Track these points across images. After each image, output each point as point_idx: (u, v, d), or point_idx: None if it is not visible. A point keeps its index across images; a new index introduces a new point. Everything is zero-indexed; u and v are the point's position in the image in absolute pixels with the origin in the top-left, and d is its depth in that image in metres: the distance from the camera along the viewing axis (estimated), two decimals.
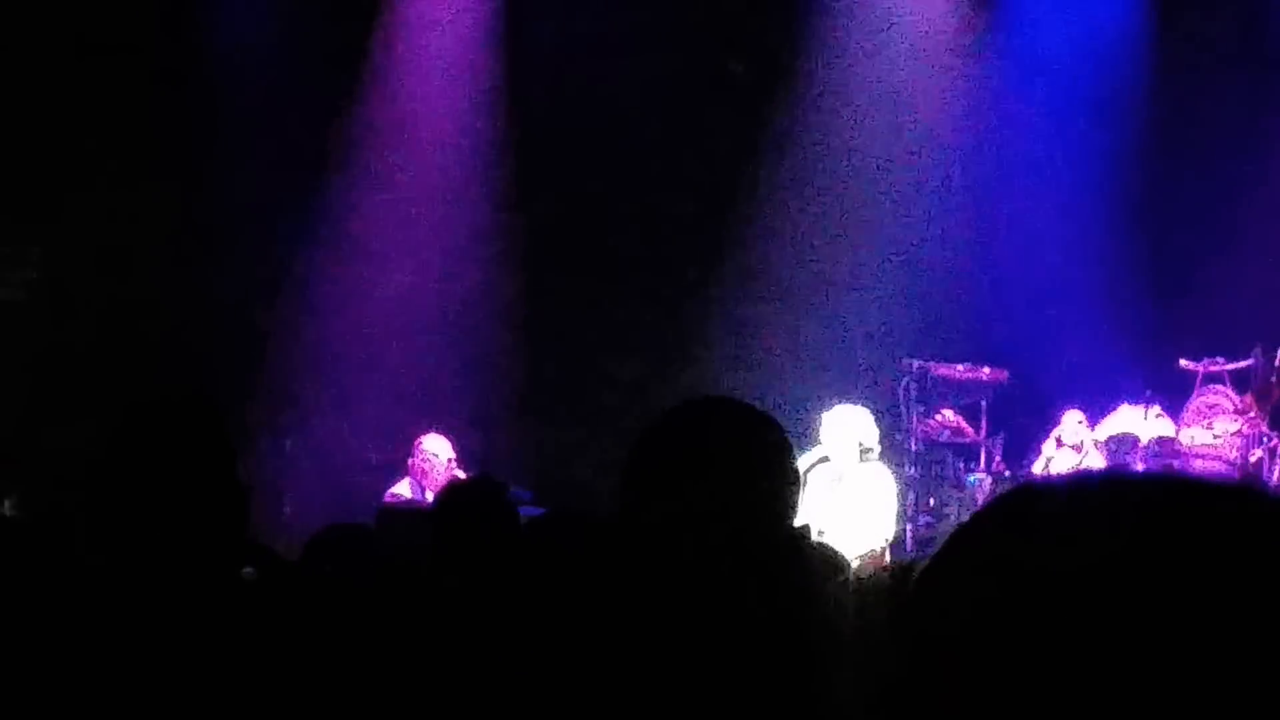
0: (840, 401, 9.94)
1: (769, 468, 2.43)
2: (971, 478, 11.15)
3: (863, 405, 9.95)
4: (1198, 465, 11.07)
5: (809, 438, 10.13)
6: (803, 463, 9.85)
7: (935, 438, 11.30)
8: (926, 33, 12.50)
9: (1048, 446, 11.12)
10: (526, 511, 6.18)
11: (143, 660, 2.38)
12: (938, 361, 11.44)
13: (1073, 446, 10.99)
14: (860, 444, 9.61)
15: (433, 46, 12.70)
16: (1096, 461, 11.08)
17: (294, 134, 11.93)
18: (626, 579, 2.46)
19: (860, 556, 8.48)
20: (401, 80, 12.61)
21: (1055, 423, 11.09)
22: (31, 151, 11.61)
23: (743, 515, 2.34)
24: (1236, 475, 10.77)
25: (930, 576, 1.02)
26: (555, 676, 2.46)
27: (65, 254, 11.68)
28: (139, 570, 2.48)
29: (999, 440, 11.36)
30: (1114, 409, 11.22)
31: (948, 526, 10.87)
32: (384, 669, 2.90)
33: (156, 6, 11.99)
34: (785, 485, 2.46)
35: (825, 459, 9.61)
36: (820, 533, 7.94)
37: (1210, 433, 11.06)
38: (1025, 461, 11.19)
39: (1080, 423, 11.04)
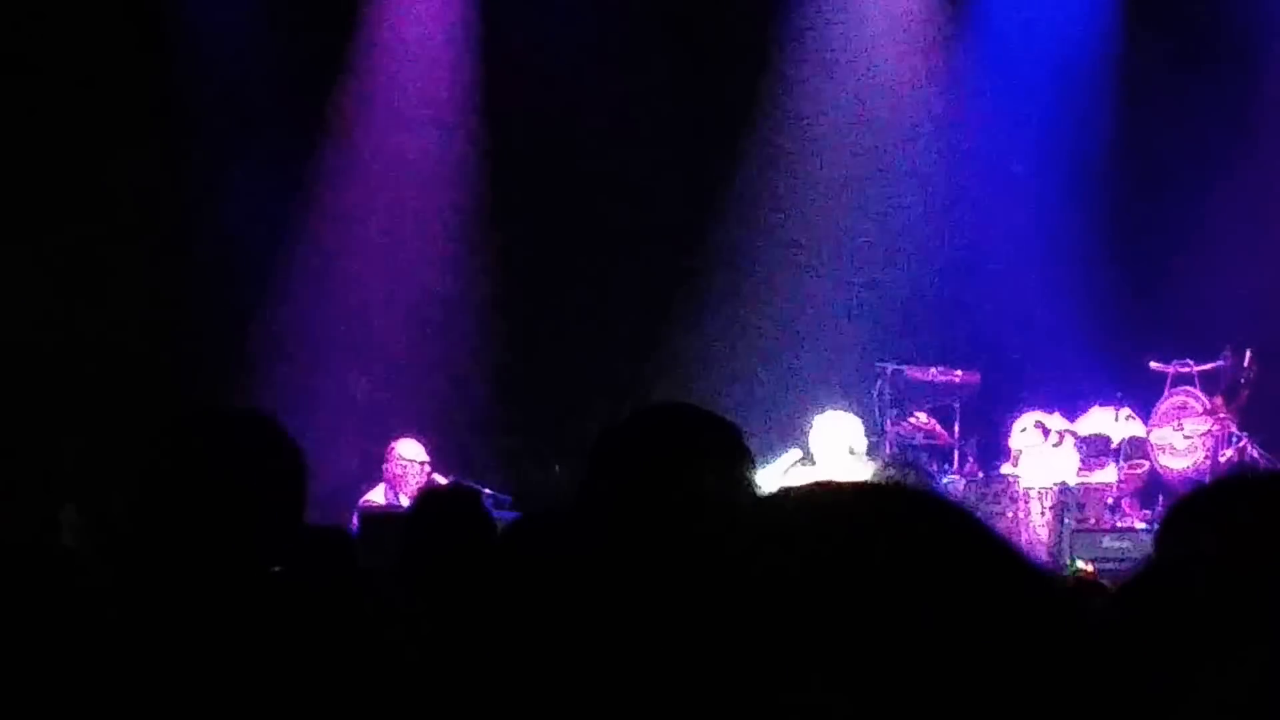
0: (828, 405, 10.00)
1: (721, 469, 2.46)
2: (945, 480, 11.21)
3: (833, 408, 10.01)
4: (1166, 464, 11.16)
5: (782, 440, 10.17)
6: (780, 464, 9.90)
7: (909, 440, 11.35)
8: (899, 37, 12.56)
9: (1016, 441, 11.18)
10: (506, 516, 6.23)
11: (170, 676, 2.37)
12: (912, 364, 11.49)
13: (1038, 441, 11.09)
14: (851, 449, 9.68)
15: (413, 42, 12.70)
16: (1068, 456, 11.13)
17: (270, 134, 11.91)
18: (599, 583, 2.48)
19: None
20: (380, 81, 12.62)
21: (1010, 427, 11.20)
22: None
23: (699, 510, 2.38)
24: (1206, 477, 10.86)
25: None
26: (529, 685, 2.48)
27: (30, 249, 11.61)
28: (177, 586, 2.44)
29: (973, 442, 11.42)
30: (1085, 411, 11.30)
31: None
32: (364, 674, 2.92)
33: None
34: (738, 486, 2.49)
35: (803, 461, 9.67)
36: None
37: (1180, 433, 11.14)
38: (997, 463, 11.26)
39: (1036, 424, 11.11)
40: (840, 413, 9.88)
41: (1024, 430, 11.18)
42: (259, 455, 2.54)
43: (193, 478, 2.47)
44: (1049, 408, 11.25)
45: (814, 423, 9.78)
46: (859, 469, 9.75)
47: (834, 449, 9.63)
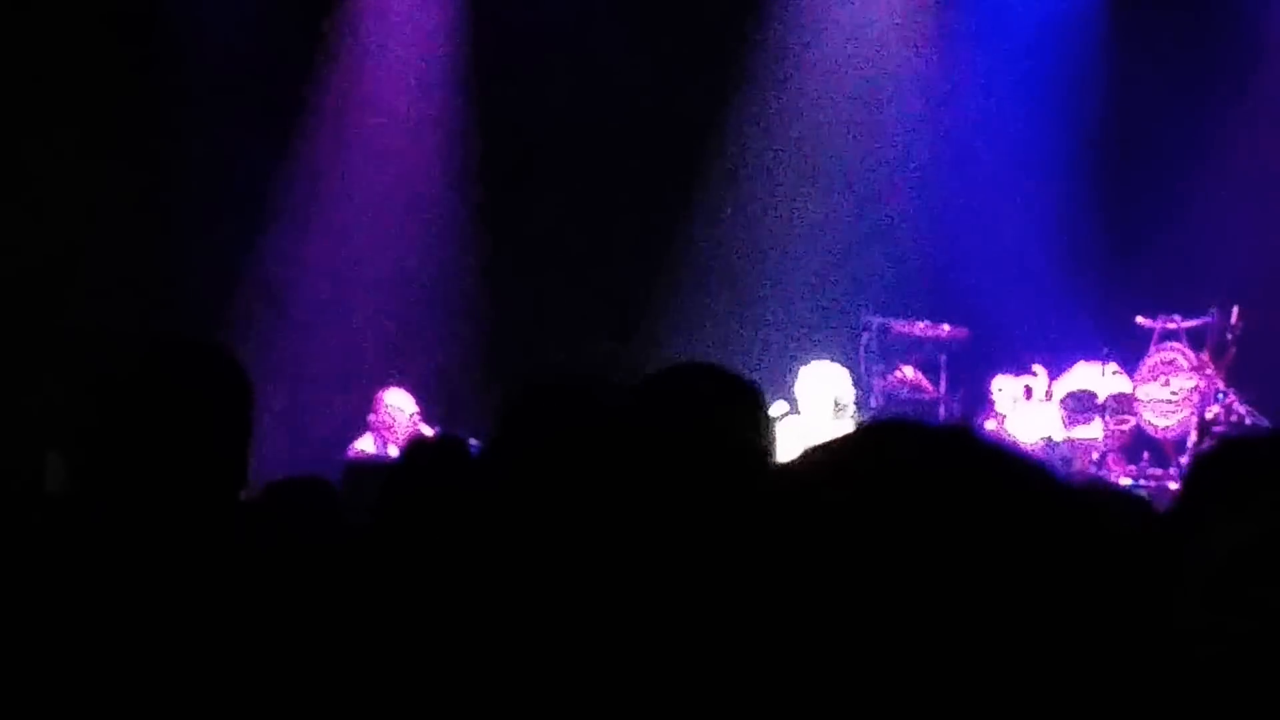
0: (813, 358, 10.01)
1: (745, 428, 2.48)
2: None
3: (819, 360, 10.02)
4: (1152, 421, 11.19)
5: (770, 393, 10.19)
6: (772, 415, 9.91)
7: (895, 394, 11.38)
8: (886, 4, 12.58)
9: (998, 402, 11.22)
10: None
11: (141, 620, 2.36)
12: (898, 318, 11.51)
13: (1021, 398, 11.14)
14: (837, 400, 9.69)
15: (401, 11, 12.73)
16: (1052, 416, 11.18)
17: (259, 94, 11.92)
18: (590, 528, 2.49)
19: None
20: (366, 47, 12.62)
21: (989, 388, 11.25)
22: None
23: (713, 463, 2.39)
24: (1191, 433, 10.90)
25: None
26: (519, 634, 2.49)
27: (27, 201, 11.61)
28: (139, 519, 2.42)
29: (958, 397, 11.44)
30: (1071, 366, 11.33)
31: None
32: (349, 627, 2.92)
33: None
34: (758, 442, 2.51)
35: (791, 413, 9.69)
36: None
37: (1167, 389, 11.16)
38: (981, 418, 11.29)
39: (1025, 389, 11.16)
40: (825, 363, 9.88)
41: (1000, 390, 11.21)
42: (206, 383, 2.53)
43: (139, 405, 2.46)
44: (1027, 365, 11.28)
45: (799, 374, 9.80)
46: (844, 421, 9.77)
47: (819, 400, 9.64)
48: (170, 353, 2.59)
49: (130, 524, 2.45)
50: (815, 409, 9.65)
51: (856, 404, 9.98)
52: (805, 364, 9.87)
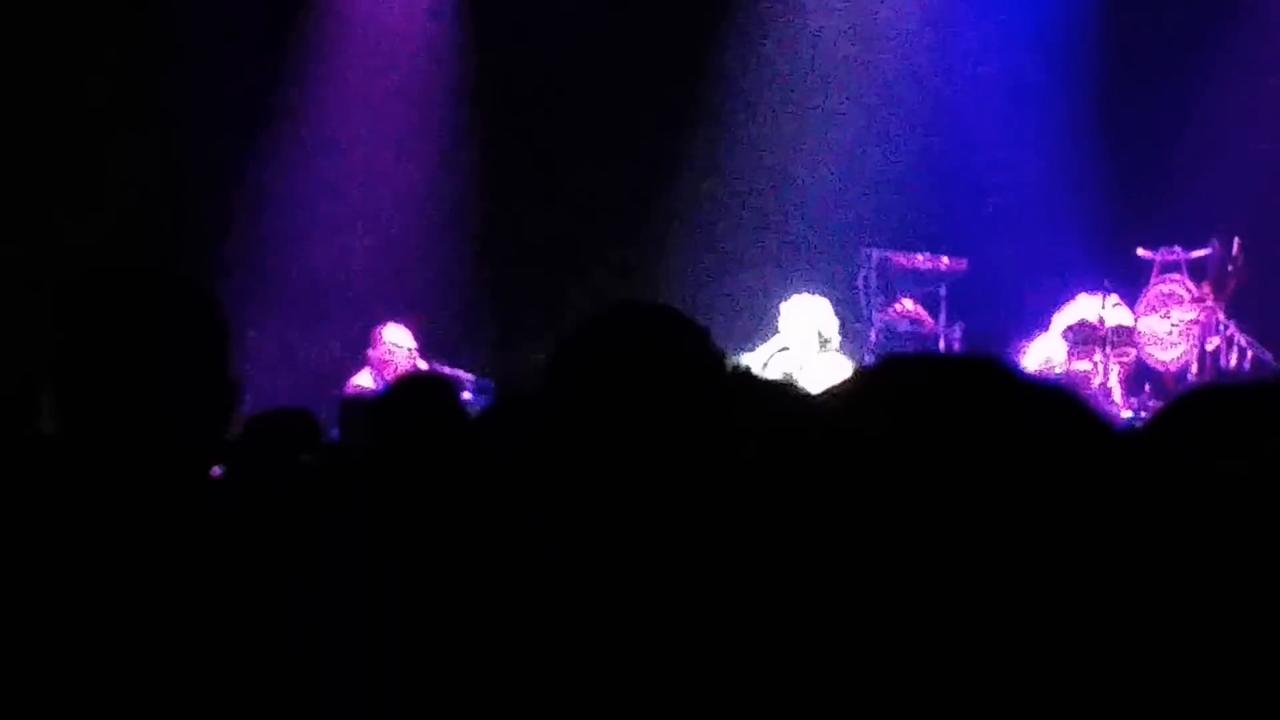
0: (800, 291, 10.00)
1: (694, 375, 2.44)
2: None
3: (822, 295, 10.01)
4: (1153, 353, 11.17)
5: (771, 328, 10.19)
6: (763, 353, 9.93)
7: (894, 327, 11.36)
8: None
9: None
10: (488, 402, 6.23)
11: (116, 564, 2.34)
12: (897, 251, 11.48)
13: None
14: (820, 333, 9.68)
15: None
16: (1057, 349, 11.17)
17: (255, 42, 11.86)
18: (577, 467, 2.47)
19: None
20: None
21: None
22: None
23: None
24: (1193, 365, 10.89)
25: None
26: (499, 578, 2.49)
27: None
28: (111, 461, 2.37)
29: (957, 329, 11.42)
30: (1072, 298, 11.30)
31: None
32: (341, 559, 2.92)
33: None
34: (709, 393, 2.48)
35: (785, 349, 9.68)
36: None
37: (1167, 321, 11.13)
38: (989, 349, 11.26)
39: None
40: (806, 296, 9.87)
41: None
42: (178, 314, 2.45)
43: (101, 342, 2.39)
44: (1027, 297, 11.28)
45: (781, 308, 9.79)
46: (830, 353, 9.78)
47: (803, 333, 9.64)
48: (134, 284, 2.51)
49: (107, 470, 2.41)
50: (800, 342, 9.65)
51: (845, 334, 9.98)
52: (786, 299, 9.85)
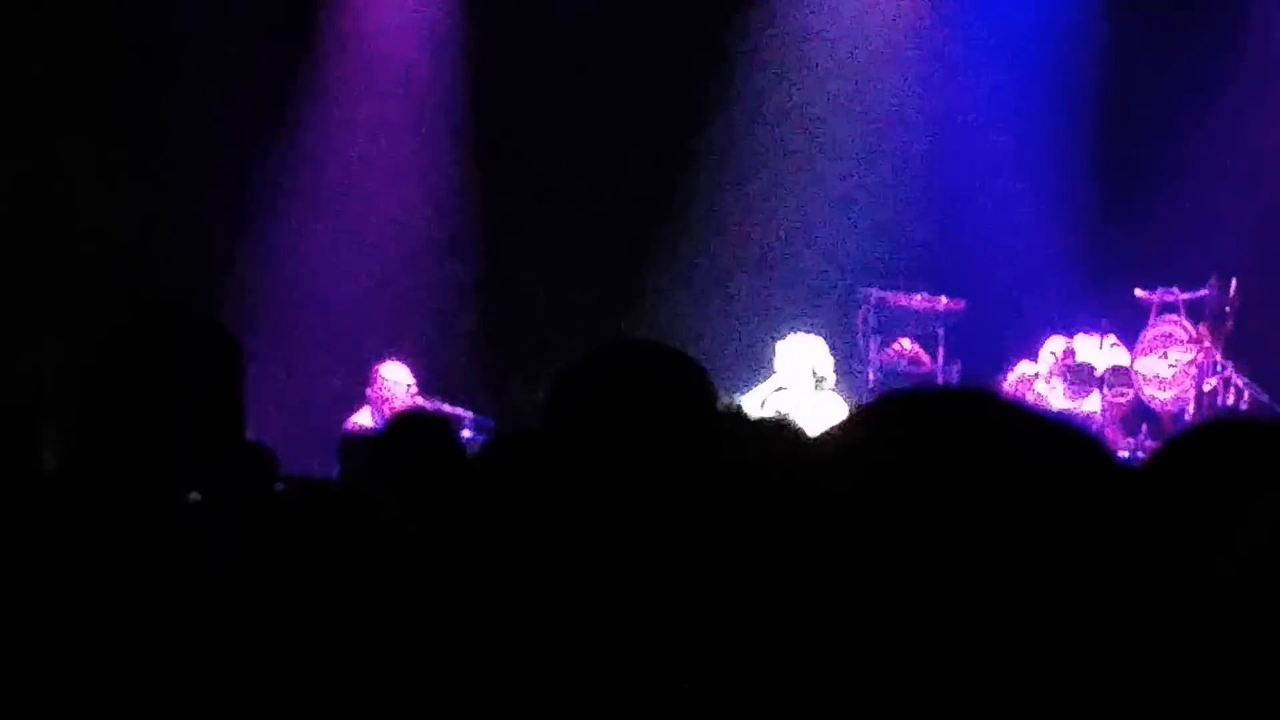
0: (796, 331, 10.02)
1: (686, 409, 2.45)
2: None
3: (818, 335, 10.04)
4: (1150, 394, 11.19)
5: (769, 368, 10.21)
6: (759, 392, 9.95)
7: (893, 367, 11.37)
8: None
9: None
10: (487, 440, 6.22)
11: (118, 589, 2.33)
12: (896, 291, 11.51)
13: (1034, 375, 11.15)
14: (814, 372, 9.71)
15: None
16: (1055, 390, 11.19)
17: (254, 66, 11.91)
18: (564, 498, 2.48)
19: None
20: (363, 26, 12.62)
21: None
22: None
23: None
24: (1190, 406, 10.90)
25: None
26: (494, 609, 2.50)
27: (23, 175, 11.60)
28: (120, 487, 2.35)
29: (955, 369, 11.44)
30: (1068, 336, 11.32)
31: None
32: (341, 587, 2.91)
33: None
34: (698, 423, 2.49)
35: (781, 388, 9.71)
36: None
37: (1165, 362, 11.15)
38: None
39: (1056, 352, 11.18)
40: (801, 336, 9.90)
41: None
42: (193, 350, 2.45)
43: (121, 377, 2.39)
44: (1027, 337, 11.30)
45: (777, 347, 9.82)
46: (826, 392, 9.80)
47: (798, 373, 9.67)
48: (154, 320, 2.52)
49: (116, 505, 2.41)
50: (795, 382, 9.68)
51: (839, 374, 10.01)
52: (782, 339, 9.89)
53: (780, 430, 2.65)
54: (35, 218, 11.41)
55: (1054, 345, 11.19)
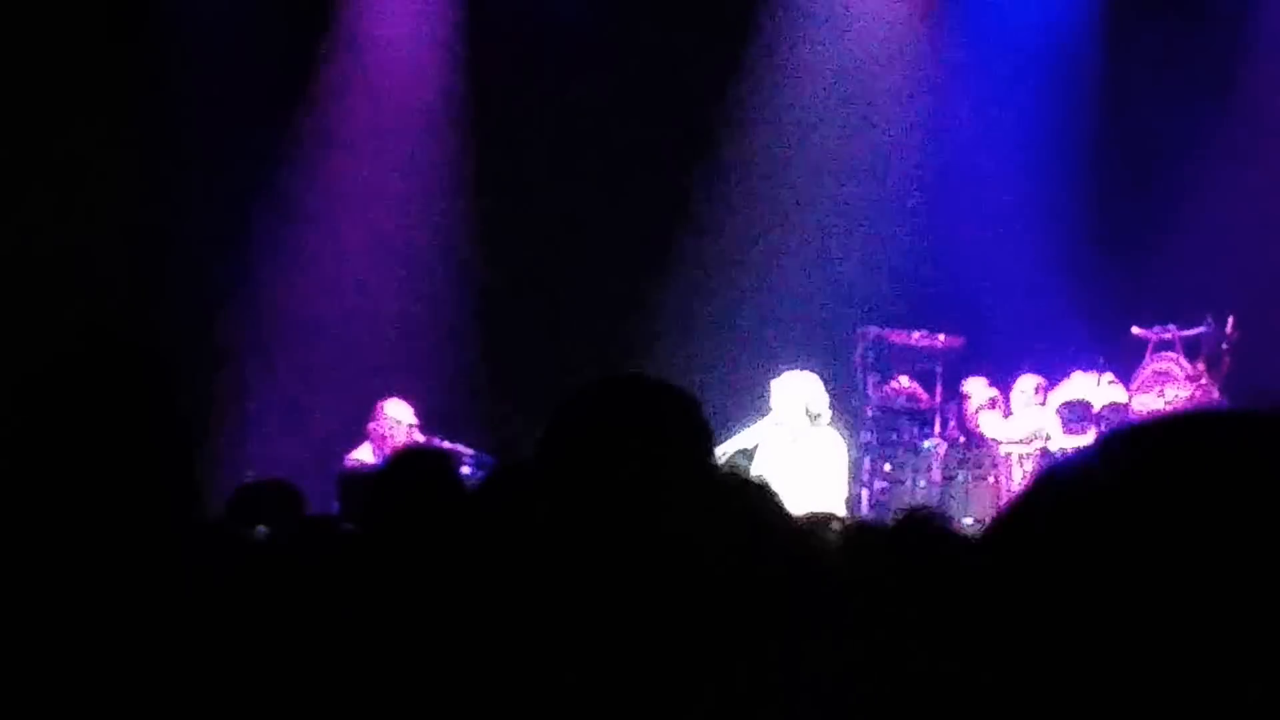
0: (792, 367, 10.06)
1: (679, 441, 2.49)
2: (926, 443, 11.28)
3: (814, 371, 10.08)
4: None
5: (767, 404, 10.24)
6: (758, 429, 9.98)
7: (891, 404, 11.41)
8: (880, 6, 12.62)
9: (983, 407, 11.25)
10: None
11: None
12: (894, 328, 11.54)
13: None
14: (808, 409, 9.76)
15: (398, 17, 12.78)
16: (1052, 424, 11.20)
17: (257, 98, 11.96)
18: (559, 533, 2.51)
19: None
20: (364, 53, 12.68)
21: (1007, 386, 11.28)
22: None
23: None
24: None
25: None
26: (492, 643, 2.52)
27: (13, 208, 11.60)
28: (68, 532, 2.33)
29: (953, 406, 11.47)
30: (1067, 376, 11.35)
31: (903, 491, 11.02)
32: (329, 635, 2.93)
33: None
34: (695, 453, 2.52)
35: (777, 424, 9.76)
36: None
37: (1162, 400, 11.17)
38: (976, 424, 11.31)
39: (1037, 388, 11.20)
40: (795, 373, 9.95)
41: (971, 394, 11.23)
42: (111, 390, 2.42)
43: (46, 411, 2.37)
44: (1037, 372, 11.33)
45: (773, 385, 9.86)
46: (822, 427, 9.84)
47: (793, 410, 9.71)
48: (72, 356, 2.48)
49: (61, 541, 2.38)
50: (790, 419, 9.73)
51: (835, 409, 10.04)
52: (778, 376, 9.94)
53: (748, 490, 2.68)
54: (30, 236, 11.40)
55: (1024, 384, 11.22)
